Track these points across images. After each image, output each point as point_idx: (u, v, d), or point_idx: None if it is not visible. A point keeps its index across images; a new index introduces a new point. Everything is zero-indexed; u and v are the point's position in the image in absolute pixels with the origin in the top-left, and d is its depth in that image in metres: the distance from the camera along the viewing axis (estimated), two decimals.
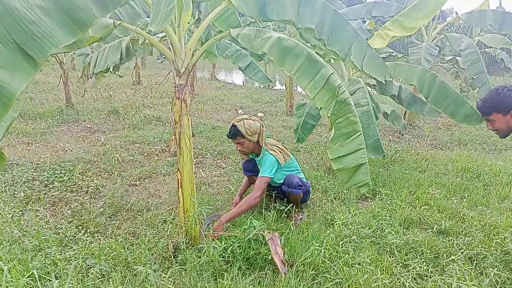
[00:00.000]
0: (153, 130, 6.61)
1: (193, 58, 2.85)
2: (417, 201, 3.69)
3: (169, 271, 2.65)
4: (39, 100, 8.70)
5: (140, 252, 2.86)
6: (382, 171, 4.56)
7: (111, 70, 4.19)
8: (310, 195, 3.82)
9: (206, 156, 5.28)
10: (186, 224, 2.99)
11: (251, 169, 3.77)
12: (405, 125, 4.96)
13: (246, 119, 3.45)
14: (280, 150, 3.52)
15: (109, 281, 2.46)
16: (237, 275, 2.53)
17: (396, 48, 20.47)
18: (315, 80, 2.34)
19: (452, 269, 2.57)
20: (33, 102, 8.30)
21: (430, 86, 4.01)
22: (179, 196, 2.98)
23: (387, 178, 4.36)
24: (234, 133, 3.44)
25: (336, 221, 3.33)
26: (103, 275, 2.51)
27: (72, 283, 2.34)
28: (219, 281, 2.43)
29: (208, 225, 3.46)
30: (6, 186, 4.03)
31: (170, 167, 4.86)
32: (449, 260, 2.73)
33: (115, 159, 4.90)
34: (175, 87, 2.84)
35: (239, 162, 5.10)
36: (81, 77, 5.90)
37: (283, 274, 2.54)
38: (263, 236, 2.76)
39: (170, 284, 2.45)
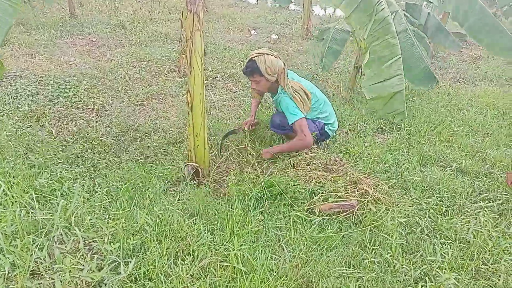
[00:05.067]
0: (161, 48, 6.27)
1: None
2: (437, 137, 3.51)
3: (178, 196, 2.59)
4: (41, 9, 8.22)
5: (150, 174, 2.79)
6: None
7: None
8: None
9: (217, 78, 5.03)
10: (196, 149, 2.87)
11: None
12: (432, 55, 4.61)
13: (267, 54, 2.95)
14: (301, 99, 3.05)
15: (116, 202, 2.40)
16: (248, 206, 2.45)
17: None
18: None
19: (470, 209, 2.49)
20: (35, 11, 7.84)
21: (467, 13, 3.59)
22: (188, 120, 2.81)
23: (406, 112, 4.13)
24: (252, 70, 2.99)
25: (350, 153, 3.21)
26: (111, 195, 2.44)
27: (78, 203, 2.28)
28: (228, 209, 2.36)
29: (226, 136, 3.38)
30: (9, 99, 3.88)
31: (179, 88, 4.66)
32: (468, 201, 2.64)
33: (121, 77, 4.68)
34: None
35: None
36: None
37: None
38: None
39: (179, 209, 2.39)
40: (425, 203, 2.58)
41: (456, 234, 2.23)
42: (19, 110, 3.71)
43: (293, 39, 7.80)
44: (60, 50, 5.81)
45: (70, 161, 2.97)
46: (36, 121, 3.58)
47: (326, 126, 3.32)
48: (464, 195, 2.72)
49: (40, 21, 6.96)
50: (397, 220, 2.20)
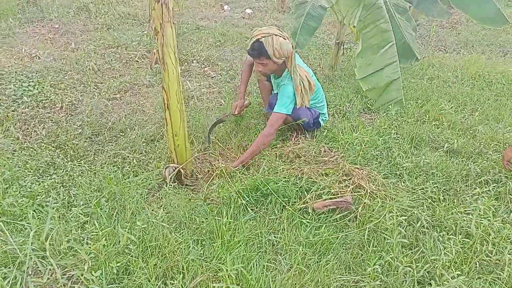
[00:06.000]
0: (130, 31, 5.89)
1: None
2: (426, 116, 3.40)
3: (161, 203, 2.43)
4: None
5: (128, 180, 2.59)
6: None
7: None
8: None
9: (192, 63, 4.76)
10: (176, 148, 2.67)
11: None
12: (416, 27, 4.43)
13: (275, 34, 2.68)
14: (303, 89, 2.85)
15: (95, 218, 2.22)
16: (238, 211, 2.30)
17: None
18: None
19: (467, 195, 2.42)
20: None
21: None
22: (166, 119, 2.60)
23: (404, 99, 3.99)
24: (259, 53, 2.71)
25: (338, 141, 3.07)
26: (87, 214, 2.24)
27: (53, 224, 2.07)
28: (216, 218, 2.20)
29: (212, 128, 3.19)
30: None
31: (153, 76, 4.38)
32: (464, 185, 2.56)
33: (89, 68, 4.36)
34: None
35: (229, 70, 4.63)
36: None
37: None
38: None
39: (163, 220, 2.22)
40: (420, 190, 2.49)
41: (456, 226, 2.15)
42: None
43: (269, 12, 7.49)
44: (20, 40, 5.37)
45: (41, 171, 2.73)
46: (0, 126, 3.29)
47: (320, 116, 3.18)
48: (459, 179, 2.64)
49: None
50: (396, 216, 2.09)
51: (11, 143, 3.05)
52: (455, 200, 2.45)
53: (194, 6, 7.76)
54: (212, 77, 4.44)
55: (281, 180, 2.50)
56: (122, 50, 5.11)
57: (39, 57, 4.67)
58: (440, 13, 3.74)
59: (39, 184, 2.55)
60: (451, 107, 3.45)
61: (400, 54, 3.39)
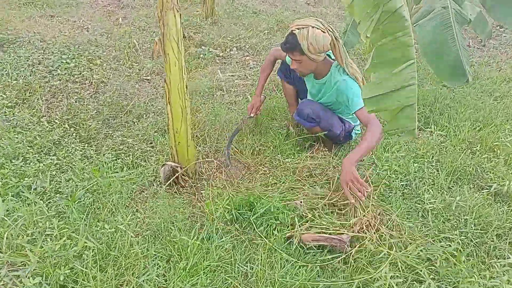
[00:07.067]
0: (186, 10, 5.79)
1: None
2: (479, 144, 2.82)
3: (146, 205, 2.26)
4: None
5: (119, 175, 2.45)
6: (444, 92, 3.57)
7: None
8: None
9: (232, 50, 4.50)
10: (177, 146, 2.48)
11: (284, 71, 2.91)
12: (491, 33, 3.72)
13: (312, 26, 2.29)
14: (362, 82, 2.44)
15: (67, 211, 2.11)
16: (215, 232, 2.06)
17: None
18: None
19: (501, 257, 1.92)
20: None
21: None
22: (167, 114, 2.42)
23: (449, 103, 3.41)
24: (292, 46, 2.35)
25: (363, 164, 2.66)
26: (66, 205, 2.14)
27: (21, 211, 2.00)
28: (186, 236, 1.98)
29: (232, 139, 2.86)
30: (10, 68, 3.66)
31: (195, 58, 4.22)
32: (503, 243, 2.06)
33: (129, 46, 4.31)
34: None
35: None
36: None
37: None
38: None
39: (135, 227, 2.06)
40: (443, 240, 2.03)
41: None
42: (16, 82, 3.49)
43: (337, 0, 6.95)
44: (81, 11, 5.53)
45: (45, 150, 2.70)
46: (29, 96, 3.34)
47: (354, 129, 2.78)
48: (499, 232, 2.12)
49: None
50: (389, 273, 1.70)
51: (32, 116, 3.07)
52: (486, 261, 1.97)
53: None
54: (251, 68, 4.16)
55: (280, 201, 2.20)
56: None
57: (87, 29, 4.74)
58: None
59: (35, 165, 2.49)
60: None
61: (449, 73, 2.83)
